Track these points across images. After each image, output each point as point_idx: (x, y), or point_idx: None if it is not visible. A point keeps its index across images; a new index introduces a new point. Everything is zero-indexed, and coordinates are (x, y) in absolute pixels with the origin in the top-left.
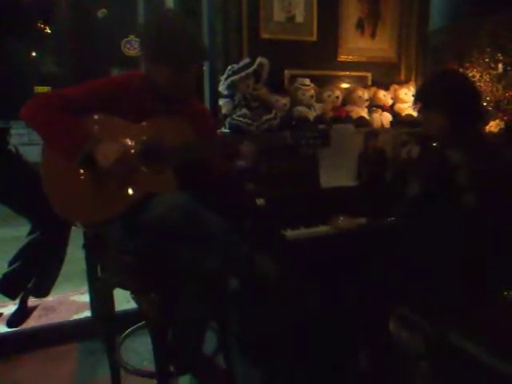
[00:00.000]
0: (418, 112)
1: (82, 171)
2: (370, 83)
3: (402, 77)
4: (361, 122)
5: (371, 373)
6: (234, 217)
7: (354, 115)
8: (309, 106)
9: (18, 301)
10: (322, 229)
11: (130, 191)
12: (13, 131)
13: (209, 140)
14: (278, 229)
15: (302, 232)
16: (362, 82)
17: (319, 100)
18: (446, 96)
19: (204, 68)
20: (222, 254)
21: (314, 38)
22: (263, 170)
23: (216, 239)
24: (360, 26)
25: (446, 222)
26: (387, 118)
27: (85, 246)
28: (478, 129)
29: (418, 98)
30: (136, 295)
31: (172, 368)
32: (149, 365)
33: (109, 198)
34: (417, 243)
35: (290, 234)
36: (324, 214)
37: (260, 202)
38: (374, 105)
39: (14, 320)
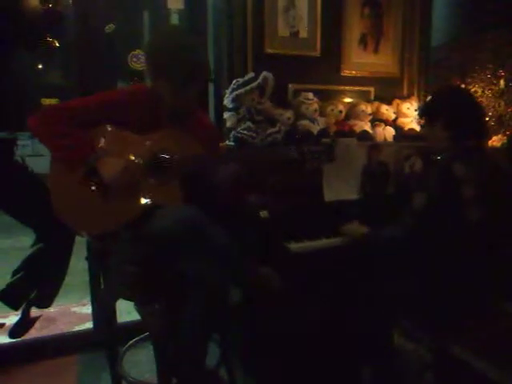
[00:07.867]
0: (422, 127)
1: (88, 183)
2: (372, 98)
3: (405, 91)
4: (364, 135)
5: None
6: (238, 229)
7: (357, 129)
8: (312, 120)
9: (20, 311)
10: (326, 242)
11: (136, 203)
12: (18, 142)
13: (213, 154)
14: (282, 241)
15: (305, 245)
16: (364, 96)
17: (322, 114)
18: (450, 111)
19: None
20: (226, 267)
21: (318, 53)
22: (267, 182)
23: (220, 252)
24: (363, 41)
25: (450, 235)
26: (390, 132)
27: (88, 257)
28: (481, 143)
29: (423, 113)
30: (140, 306)
31: (174, 380)
32: (151, 377)
33: (115, 208)
34: (420, 255)
35: (293, 246)
36: (328, 227)
37: (264, 214)
38: (376, 119)
39: (16, 330)
